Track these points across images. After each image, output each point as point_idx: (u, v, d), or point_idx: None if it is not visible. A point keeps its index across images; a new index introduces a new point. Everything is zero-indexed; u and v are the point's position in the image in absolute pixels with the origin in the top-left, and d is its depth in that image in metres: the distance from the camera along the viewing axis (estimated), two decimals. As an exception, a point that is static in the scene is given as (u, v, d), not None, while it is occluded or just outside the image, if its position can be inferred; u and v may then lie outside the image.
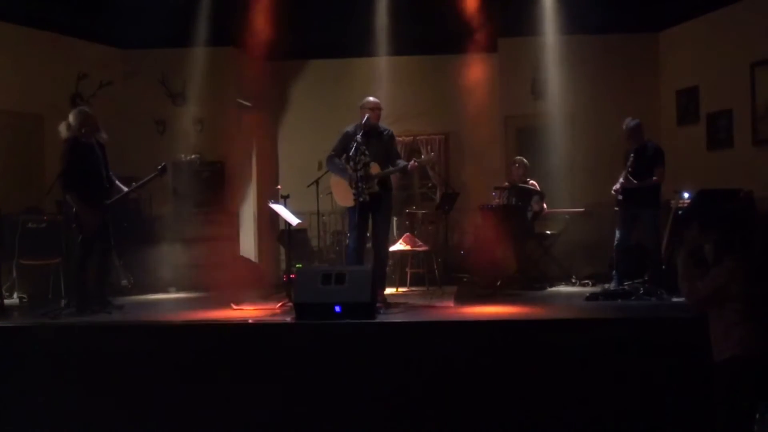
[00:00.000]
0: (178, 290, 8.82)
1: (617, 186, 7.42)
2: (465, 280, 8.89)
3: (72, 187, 6.63)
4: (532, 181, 8.88)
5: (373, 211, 6.86)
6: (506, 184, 9.02)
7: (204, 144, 10.18)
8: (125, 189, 7.01)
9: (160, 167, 7.06)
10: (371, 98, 7.15)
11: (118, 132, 9.99)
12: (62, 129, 6.78)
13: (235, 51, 10.52)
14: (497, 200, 8.89)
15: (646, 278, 7.40)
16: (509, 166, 9.34)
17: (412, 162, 6.94)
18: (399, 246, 8.60)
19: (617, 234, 7.54)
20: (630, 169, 7.32)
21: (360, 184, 6.57)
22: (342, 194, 7.10)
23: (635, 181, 7.25)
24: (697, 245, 4.33)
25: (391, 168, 7.03)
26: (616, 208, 7.61)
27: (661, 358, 5.20)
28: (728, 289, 4.11)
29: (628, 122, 7.46)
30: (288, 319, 5.98)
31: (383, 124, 7.25)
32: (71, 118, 6.81)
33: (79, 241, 6.69)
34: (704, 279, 4.19)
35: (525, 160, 8.99)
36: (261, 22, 9.29)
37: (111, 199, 6.91)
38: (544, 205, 8.78)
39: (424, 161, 7.28)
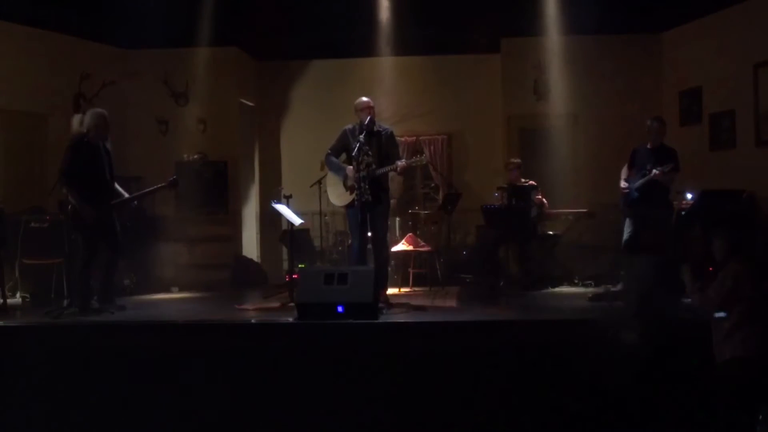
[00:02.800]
0: (180, 290, 8.81)
1: (640, 181, 7.45)
2: (468, 280, 8.89)
3: (71, 183, 6.63)
4: (531, 181, 8.85)
5: (371, 211, 6.84)
6: (506, 185, 9.00)
7: (207, 144, 10.20)
8: (125, 194, 7.04)
9: (171, 179, 7.11)
10: (363, 98, 7.08)
11: (121, 132, 10.04)
12: (75, 123, 6.79)
13: (238, 51, 10.55)
14: (499, 201, 8.88)
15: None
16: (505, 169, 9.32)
17: (401, 163, 6.85)
18: (402, 246, 8.60)
19: (629, 232, 7.56)
20: (649, 167, 7.35)
21: (363, 185, 6.58)
22: (336, 193, 7.12)
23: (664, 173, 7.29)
24: (699, 258, 4.33)
25: (382, 168, 6.87)
26: (626, 207, 7.66)
27: (663, 359, 5.19)
28: (736, 291, 4.11)
29: (657, 121, 7.57)
30: (290, 319, 5.97)
31: (383, 123, 7.23)
32: (88, 116, 6.83)
33: (81, 241, 6.70)
34: (713, 285, 4.19)
35: (518, 161, 8.92)
36: (264, 22, 9.29)
37: (115, 201, 6.92)
38: (544, 200, 8.75)
39: (413, 162, 7.17)
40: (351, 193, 6.84)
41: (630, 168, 7.71)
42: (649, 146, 7.56)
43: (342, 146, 7.04)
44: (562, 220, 9.25)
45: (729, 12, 8.99)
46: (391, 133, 7.09)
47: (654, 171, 7.25)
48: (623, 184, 7.69)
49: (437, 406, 5.34)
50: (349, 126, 7.05)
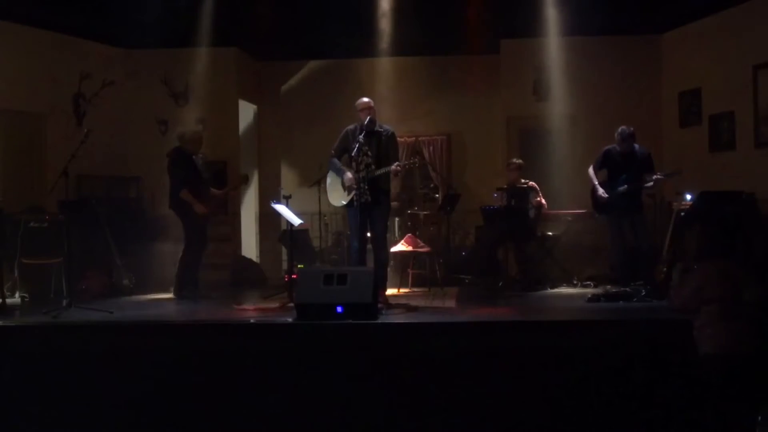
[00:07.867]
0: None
1: (621, 189, 7.69)
2: (467, 281, 8.89)
3: (181, 188, 7.78)
4: (531, 183, 8.86)
5: (371, 212, 6.84)
6: (505, 186, 9.00)
7: (206, 144, 10.13)
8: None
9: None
10: (363, 99, 7.09)
11: (121, 132, 10.06)
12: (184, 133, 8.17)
13: (238, 51, 10.55)
14: (499, 201, 8.88)
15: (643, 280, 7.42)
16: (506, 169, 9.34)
17: (393, 166, 6.79)
18: (401, 247, 8.60)
19: (618, 239, 7.67)
20: (622, 173, 7.71)
21: (362, 185, 6.57)
22: (335, 194, 7.14)
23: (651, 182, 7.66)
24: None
25: (380, 169, 6.84)
26: (601, 214, 8.01)
27: (661, 360, 5.20)
28: (703, 292, 4.13)
29: (626, 129, 7.75)
30: (289, 319, 5.98)
31: (385, 124, 7.22)
32: (189, 133, 8.18)
33: (189, 233, 7.92)
34: (681, 284, 4.24)
35: (520, 161, 8.93)
36: (264, 23, 9.29)
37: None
38: (543, 201, 8.76)
39: (408, 164, 7.12)
40: (348, 194, 6.85)
41: (600, 168, 8.00)
42: (619, 149, 7.81)
43: (343, 147, 7.04)
44: (561, 221, 9.25)
45: (728, 14, 8.99)
46: (392, 133, 7.06)
47: (655, 177, 7.61)
48: (601, 191, 7.88)
49: (436, 406, 5.35)
50: (351, 126, 7.06)
